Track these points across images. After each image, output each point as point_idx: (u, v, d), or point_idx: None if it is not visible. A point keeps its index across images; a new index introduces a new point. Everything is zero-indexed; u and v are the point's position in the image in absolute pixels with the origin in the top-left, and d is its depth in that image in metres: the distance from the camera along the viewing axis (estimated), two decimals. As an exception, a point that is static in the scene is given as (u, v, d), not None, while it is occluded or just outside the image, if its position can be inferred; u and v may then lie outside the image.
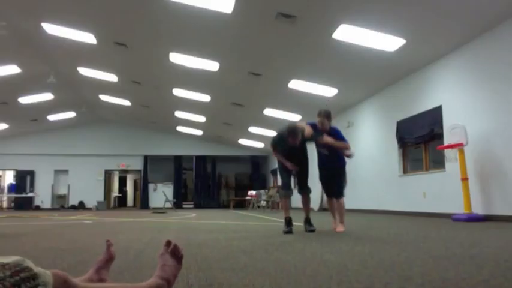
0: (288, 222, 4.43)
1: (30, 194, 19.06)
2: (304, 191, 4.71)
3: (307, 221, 4.60)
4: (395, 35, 6.89)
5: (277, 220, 7.05)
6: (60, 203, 20.09)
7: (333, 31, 6.97)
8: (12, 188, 20.41)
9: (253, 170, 22.00)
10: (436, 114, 7.69)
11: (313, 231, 4.43)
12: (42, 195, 19.45)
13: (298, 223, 4.91)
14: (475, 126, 6.57)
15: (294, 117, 13.26)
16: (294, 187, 4.92)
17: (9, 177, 21.53)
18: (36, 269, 0.94)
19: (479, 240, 3.32)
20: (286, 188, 4.72)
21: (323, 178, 4.89)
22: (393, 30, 6.80)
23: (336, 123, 12.47)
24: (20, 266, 0.91)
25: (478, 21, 6.21)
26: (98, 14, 8.00)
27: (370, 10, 6.27)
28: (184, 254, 1.46)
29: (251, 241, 3.44)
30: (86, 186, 19.79)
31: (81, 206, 19.73)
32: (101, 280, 1.42)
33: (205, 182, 21.37)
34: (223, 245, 3.13)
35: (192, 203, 21.27)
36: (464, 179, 6.37)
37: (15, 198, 19.48)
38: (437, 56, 7.53)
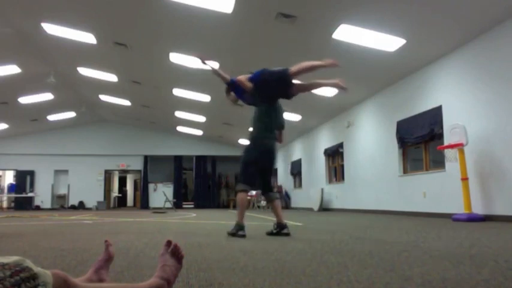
0: (239, 228, 3.78)
1: (30, 194, 19.07)
2: (269, 195, 3.92)
3: (279, 225, 3.85)
4: (395, 35, 6.89)
5: (277, 220, 7.03)
6: (60, 203, 20.09)
7: (333, 31, 6.97)
8: (12, 188, 20.41)
9: (253, 170, 21.96)
10: (436, 114, 7.69)
11: (270, 233, 3.83)
12: (42, 195, 19.45)
13: (298, 223, 4.90)
14: (475, 126, 6.57)
15: (295, 117, 13.27)
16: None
17: (9, 177, 21.54)
18: (36, 269, 0.94)
19: (479, 240, 3.32)
20: (243, 180, 3.85)
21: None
22: (393, 30, 6.80)
23: (336, 123, 12.58)
24: (20, 266, 0.91)
25: (478, 21, 6.21)
26: (98, 14, 8.00)
27: (370, 10, 6.27)
28: (184, 254, 1.45)
29: (251, 241, 3.43)
30: (86, 186, 19.80)
31: (81, 206, 19.72)
32: (101, 280, 1.42)
33: (205, 182, 21.36)
34: (223, 245, 3.13)
35: (192, 203, 21.26)
36: (464, 179, 6.38)
37: (15, 198, 19.48)
38: (437, 56, 7.53)
